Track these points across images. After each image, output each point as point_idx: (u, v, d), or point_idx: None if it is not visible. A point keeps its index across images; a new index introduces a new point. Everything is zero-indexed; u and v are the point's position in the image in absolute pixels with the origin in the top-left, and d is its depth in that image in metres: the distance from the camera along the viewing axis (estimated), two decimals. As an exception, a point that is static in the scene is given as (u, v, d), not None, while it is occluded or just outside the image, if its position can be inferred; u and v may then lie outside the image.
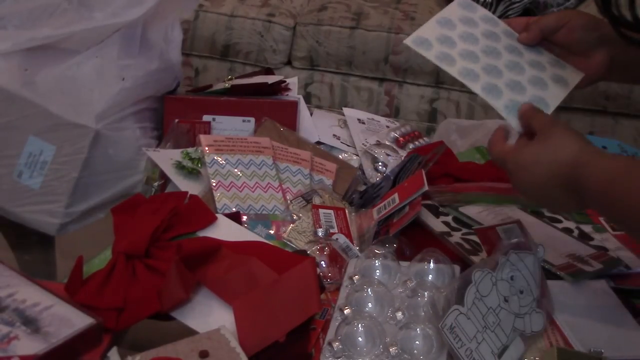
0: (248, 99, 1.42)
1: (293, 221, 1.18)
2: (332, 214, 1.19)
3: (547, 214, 1.21)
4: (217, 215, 1.13)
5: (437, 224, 1.17)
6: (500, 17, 1.88)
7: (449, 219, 1.18)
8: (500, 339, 0.93)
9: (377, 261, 1.06)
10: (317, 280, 0.98)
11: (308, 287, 0.97)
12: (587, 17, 1.10)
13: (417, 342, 0.93)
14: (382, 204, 1.19)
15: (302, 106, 1.46)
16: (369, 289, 1.00)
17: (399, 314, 0.99)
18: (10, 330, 0.88)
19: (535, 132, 0.97)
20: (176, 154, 1.27)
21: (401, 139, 1.42)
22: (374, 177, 1.33)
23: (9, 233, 1.26)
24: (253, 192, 1.21)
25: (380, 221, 1.17)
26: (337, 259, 1.10)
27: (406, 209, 1.16)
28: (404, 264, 1.07)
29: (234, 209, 1.17)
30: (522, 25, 1.11)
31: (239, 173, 1.23)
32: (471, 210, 1.19)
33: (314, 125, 1.45)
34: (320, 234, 1.14)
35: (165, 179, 1.25)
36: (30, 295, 0.93)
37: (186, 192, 1.15)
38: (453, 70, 1.03)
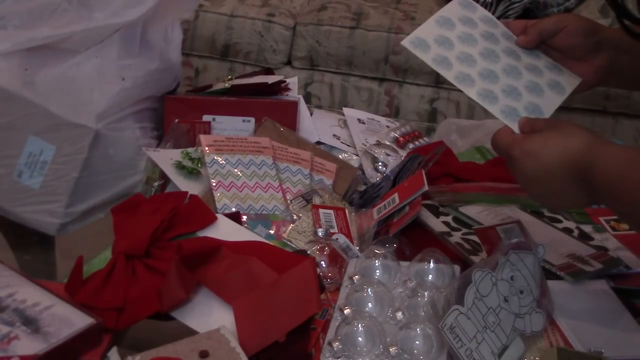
0: (248, 99, 1.42)
1: (293, 221, 1.18)
2: (332, 214, 1.19)
3: (547, 213, 1.21)
4: (217, 215, 1.12)
5: (437, 224, 1.17)
6: (500, 17, 1.89)
7: (449, 219, 1.18)
8: (500, 339, 0.93)
9: (377, 261, 1.06)
10: (317, 280, 0.98)
11: (308, 287, 0.96)
12: (585, 21, 1.10)
13: (417, 342, 0.93)
14: (382, 204, 1.19)
15: (302, 106, 1.46)
16: (369, 289, 1.00)
17: (399, 314, 0.98)
18: (10, 330, 0.88)
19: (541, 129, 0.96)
20: (176, 154, 1.27)
21: (401, 139, 1.42)
22: (374, 177, 1.33)
23: (9, 233, 1.26)
24: (253, 192, 1.21)
25: (380, 221, 1.17)
26: (337, 259, 1.10)
27: (406, 209, 1.15)
28: (404, 264, 1.07)
29: (234, 209, 1.17)
30: (520, 28, 1.10)
31: (239, 173, 1.23)
32: (471, 210, 1.19)
33: (314, 125, 1.45)
34: (320, 234, 1.14)
35: (165, 179, 1.25)
36: (30, 295, 0.93)
37: (186, 192, 1.15)
38: (449, 75, 1.03)
